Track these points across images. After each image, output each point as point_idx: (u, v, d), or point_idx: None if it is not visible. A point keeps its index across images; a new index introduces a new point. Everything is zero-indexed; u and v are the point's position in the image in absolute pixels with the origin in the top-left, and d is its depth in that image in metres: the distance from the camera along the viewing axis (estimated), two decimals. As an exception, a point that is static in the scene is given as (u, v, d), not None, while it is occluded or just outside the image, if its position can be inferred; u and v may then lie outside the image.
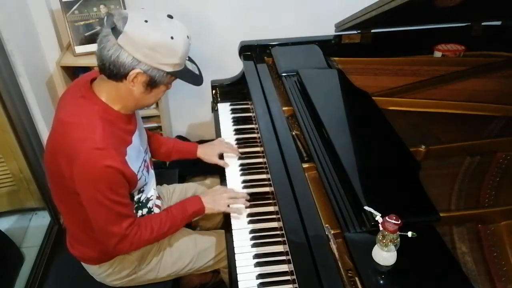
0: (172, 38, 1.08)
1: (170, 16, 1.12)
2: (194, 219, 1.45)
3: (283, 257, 1.23)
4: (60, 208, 1.35)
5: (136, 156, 1.25)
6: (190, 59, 1.23)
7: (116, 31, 1.06)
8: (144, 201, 1.37)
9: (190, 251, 1.49)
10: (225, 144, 1.63)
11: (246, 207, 1.41)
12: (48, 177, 1.28)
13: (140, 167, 1.27)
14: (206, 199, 1.41)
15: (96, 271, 1.43)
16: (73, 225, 1.37)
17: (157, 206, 1.46)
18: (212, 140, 1.70)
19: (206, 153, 1.62)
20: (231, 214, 1.39)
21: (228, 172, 1.56)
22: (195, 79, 1.21)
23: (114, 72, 1.10)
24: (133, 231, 1.25)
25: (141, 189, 1.34)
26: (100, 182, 1.12)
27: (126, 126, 1.23)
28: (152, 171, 1.43)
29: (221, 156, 1.61)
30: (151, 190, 1.41)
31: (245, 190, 1.47)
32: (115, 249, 1.26)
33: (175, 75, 1.15)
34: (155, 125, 2.33)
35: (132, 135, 1.26)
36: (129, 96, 1.17)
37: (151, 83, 1.14)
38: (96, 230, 1.23)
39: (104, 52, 1.08)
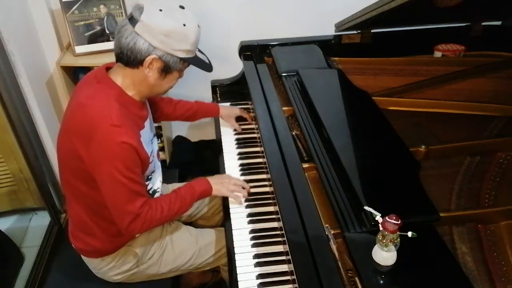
0: (184, 25, 1.16)
1: (182, 7, 1.20)
2: (201, 199, 1.48)
3: (283, 257, 1.23)
4: (67, 194, 1.36)
5: (147, 141, 1.31)
6: (200, 51, 1.30)
7: (133, 20, 1.15)
8: (151, 192, 1.40)
9: (191, 247, 1.50)
10: (242, 110, 1.76)
11: (245, 200, 1.43)
12: (60, 161, 1.31)
13: (151, 152, 1.32)
14: (214, 181, 1.44)
15: (98, 264, 1.43)
16: (79, 213, 1.36)
17: None
18: (213, 140, 1.70)
19: (227, 112, 1.75)
20: (231, 214, 1.40)
21: (228, 172, 1.56)
22: (206, 66, 1.29)
23: (131, 58, 1.17)
24: (144, 210, 1.27)
25: (149, 176, 1.37)
26: (117, 159, 1.16)
27: (139, 112, 1.29)
28: (158, 163, 1.45)
29: (238, 119, 1.76)
30: (157, 182, 1.43)
31: (241, 184, 1.46)
32: (128, 229, 1.28)
33: (187, 61, 1.23)
34: (155, 125, 2.32)
35: (145, 121, 1.31)
36: (144, 82, 1.23)
37: (166, 69, 1.21)
38: (111, 208, 1.25)
39: (122, 40, 1.16)
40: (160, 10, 1.15)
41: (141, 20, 1.13)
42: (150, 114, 1.42)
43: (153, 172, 1.37)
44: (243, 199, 1.43)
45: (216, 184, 1.43)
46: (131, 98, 1.25)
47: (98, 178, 1.20)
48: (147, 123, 1.33)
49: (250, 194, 1.45)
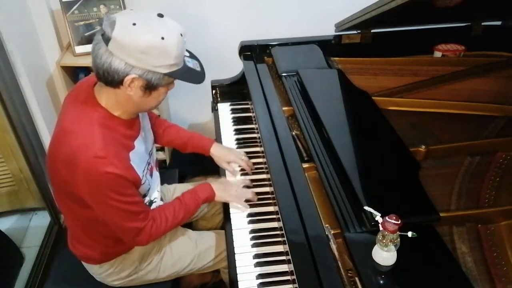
0: (162, 38, 1.04)
1: (160, 15, 1.08)
2: (204, 204, 1.46)
3: (283, 257, 1.23)
4: (62, 209, 1.35)
5: (139, 160, 1.24)
6: (191, 55, 1.20)
7: (105, 38, 1.04)
8: (147, 203, 1.37)
9: (190, 252, 1.49)
10: (241, 156, 1.55)
11: (245, 201, 1.42)
12: (50, 180, 1.28)
13: (143, 170, 1.27)
14: (218, 187, 1.43)
15: (97, 270, 1.44)
16: (75, 227, 1.37)
17: None
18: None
19: (219, 155, 1.55)
20: (231, 214, 1.40)
21: (228, 172, 1.56)
22: (195, 77, 1.16)
23: (109, 79, 1.08)
24: (148, 224, 1.26)
25: (145, 194, 1.34)
26: (105, 188, 1.12)
27: (128, 132, 1.22)
28: (156, 173, 1.43)
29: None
30: (155, 192, 1.41)
31: (245, 191, 1.46)
32: (134, 243, 1.28)
33: (172, 75, 1.11)
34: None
35: (134, 140, 1.24)
36: (129, 101, 1.15)
37: (149, 87, 1.11)
38: (112, 227, 1.24)
39: (97, 61, 1.07)
40: (134, 24, 1.02)
41: (113, 38, 1.02)
42: (146, 126, 1.35)
43: (148, 189, 1.33)
44: (245, 209, 1.40)
45: (219, 190, 1.42)
46: (117, 119, 1.17)
47: (91, 204, 1.17)
48: (138, 142, 1.25)
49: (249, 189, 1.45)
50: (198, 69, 1.19)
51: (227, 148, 1.61)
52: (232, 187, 1.43)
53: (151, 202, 1.39)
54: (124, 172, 1.13)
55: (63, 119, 1.19)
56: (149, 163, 1.33)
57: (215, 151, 1.56)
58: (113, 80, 1.08)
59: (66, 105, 1.24)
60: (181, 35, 1.09)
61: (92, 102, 1.16)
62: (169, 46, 1.06)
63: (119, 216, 1.20)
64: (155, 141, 1.51)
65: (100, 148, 1.09)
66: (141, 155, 1.27)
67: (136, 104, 1.16)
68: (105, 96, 1.16)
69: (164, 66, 1.08)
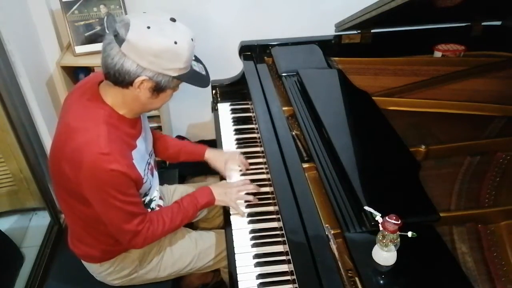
0: (176, 43, 1.06)
1: (173, 20, 1.10)
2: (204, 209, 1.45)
3: (283, 257, 1.23)
4: (62, 207, 1.35)
5: (140, 159, 1.25)
6: (196, 59, 1.22)
7: (119, 39, 1.05)
8: (147, 202, 1.38)
9: (190, 252, 1.50)
10: (237, 156, 1.56)
11: (245, 200, 1.42)
12: (52, 178, 1.29)
13: (144, 170, 1.28)
14: (218, 191, 1.42)
15: (97, 269, 1.44)
16: (75, 225, 1.37)
17: (159, 206, 1.46)
18: (213, 140, 1.69)
19: (214, 158, 1.58)
20: (231, 214, 1.40)
21: (227, 173, 1.56)
22: (202, 81, 1.19)
23: (119, 79, 1.10)
24: (145, 227, 1.26)
25: (146, 193, 1.35)
26: (108, 186, 1.13)
27: (131, 131, 1.23)
28: (156, 173, 1.43)
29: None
30: (155, 192, 1.42)
31: (246, 190, 1.47)
32: (130, 245, 1.29)
33: (181, 78, 1.14)
34: (155, 125, 2.33)
35: (137, 139, 1.26)
36: (136, 102, 1.17)
37: (158, 89, 1.13)
38: (109, 227, 1.25)
39: (109, 60, 1.08)
40: (148, 27, 1.05)
41: (127, 40, 1.04)
42: (146, 128, 1.37)
43: (149, 188, 1.34)
44: (245, 212, 1.40)
45: (219, 194, 1.42)
46: (122, 117, 1.19)
47: (92, 201, 1.18)
48: (139, 141, 1.27)
49: (250, 194, 1.44)
50: (203, 72, 1.22)
51: (219, 150, 1.63)
52: (233, 190, 1.42)
53: (151, 201, 1.40)
54: (127, 170, 1.14)
55: (68, 115, 1.19)
56: (149, 163, 1.34)
57: (209, 154, 1.59)
58: (123, 80, 1.10)
59: (70, 102, 1.24)
60: (192, 40, 1.11)
61: (98, 100, 1.18)
62: (181, 50, 1.08)
63: (117, 216, 1.20)
64: None
65: (105, 145, 1.10)
66: (142, 155, 1.28)
67: (142, 104, 1.18)
68: (112, 95, 1.17)
69: (174, 69, 1.11)
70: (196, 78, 1.18)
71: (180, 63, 1.10)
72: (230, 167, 1.55)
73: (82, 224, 1.32)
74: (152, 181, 1.35)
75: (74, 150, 1.11)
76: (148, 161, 1.33)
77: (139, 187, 1.24)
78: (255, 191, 1.43)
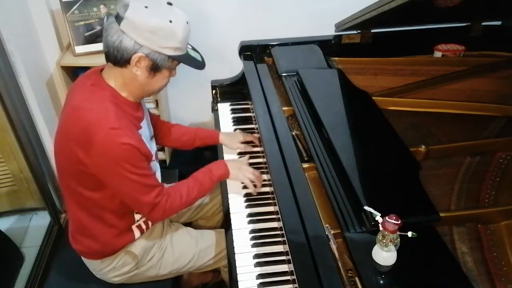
0: (170, 21, 1.13)
1: (169, 3, 1.17)
2: (219, 182, 1.48)
3: (283, 257, 1.23)
4: (66, 195, 1.36)
5: (147, 141, 1.29)
6: (193, 48, 1.28)
7: (118, 18, 1.13)
8: None
9: (191, 250, 1.50)
10: (246, 135, 1.66)
11: (245, 201, 1.43)
12: (59, 165, 1.31)
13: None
14: (232, 165, 1.45)
15: (97, 266, 1.44)
16: (80, 215, 1.36)
17: None
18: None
19: (228, 137, 1.66)
20: (231, 214, 1.40)
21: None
22: (197, 64, 1.25)
23: (118, 57, 1.16)
24: (163, 200, 1.29)
25: None
26: (121, 159, 1.16)
27: (135, 113, 1.28)
28: (157, 164, 1.45)
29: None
30: (159, 179, 1.42)
31: (245, 190, 1.47)
32: (150, 217, 1.33)
33: (176, 58, 1.20)
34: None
35: (141, 122, 1.31)
36: (134, 82, 1.21)
37: (154, 67, 1.19)
38: (128, 202, 1.27)
39: (108, 38, 1.15)
40: (146, 7, 1.13)
41: (126, 18, 1.12)
42: (148, 116, 1.41)
43: (154, 173, 1.36)
44: (257, 188, 1.44)
45: (234, 168, 1.44)
46: (125, 99, 1.24)
47: (106, 180, 1.20)
48: (144, 124, 1.32)
49: (249, 194, 1.45)
50: (200, 59, 1.28)
51: (231, 132, 1.71)
52: (249, 168, 1.45)
53: None
54: (138, 143, 1.18)
55: (73, 99, 1.23)
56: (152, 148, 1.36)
57: (223, 137, 1.66)
58: (121, 58, 1.16)
59: (74, 89, 1.29)
60: (187, 23, 1.18)
61: (102, 83, 1.23)
62: (176, 30, 1.15)
63: (135, 189, 1.23)
64: (159, 142, 1.58)
65: (114, 120, 1.15)
66: (147, 137, 1.32)
67: (140, 85, 1.23)
68: (113, 77, 1.22)
69: (169, 48, 1.16)
70: (192, 60, 1.24)
71: (175, 42, 1.16)
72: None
73: (86, 214, 1.33)
74: (155, 167, 1.38)
75: (83, 129, 1.15)
76: (152, 146, 1.36)
77: (149, 163, 1.27)
78: (260, 189, 1.45)
